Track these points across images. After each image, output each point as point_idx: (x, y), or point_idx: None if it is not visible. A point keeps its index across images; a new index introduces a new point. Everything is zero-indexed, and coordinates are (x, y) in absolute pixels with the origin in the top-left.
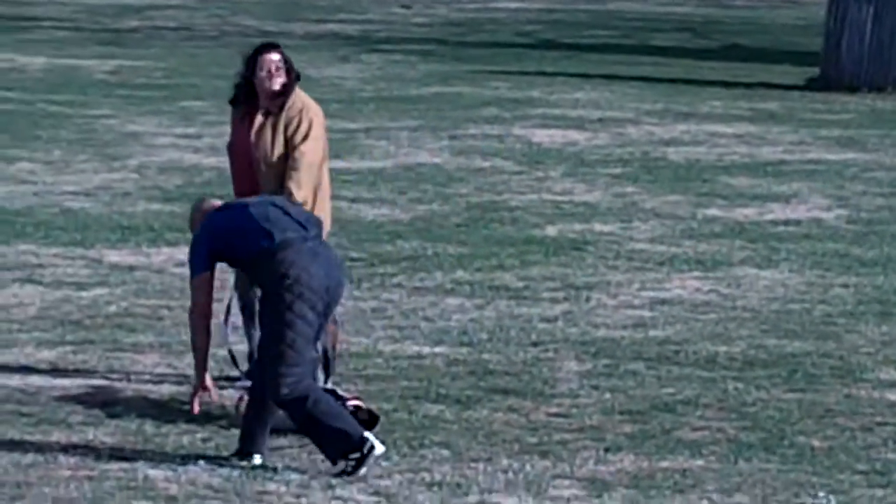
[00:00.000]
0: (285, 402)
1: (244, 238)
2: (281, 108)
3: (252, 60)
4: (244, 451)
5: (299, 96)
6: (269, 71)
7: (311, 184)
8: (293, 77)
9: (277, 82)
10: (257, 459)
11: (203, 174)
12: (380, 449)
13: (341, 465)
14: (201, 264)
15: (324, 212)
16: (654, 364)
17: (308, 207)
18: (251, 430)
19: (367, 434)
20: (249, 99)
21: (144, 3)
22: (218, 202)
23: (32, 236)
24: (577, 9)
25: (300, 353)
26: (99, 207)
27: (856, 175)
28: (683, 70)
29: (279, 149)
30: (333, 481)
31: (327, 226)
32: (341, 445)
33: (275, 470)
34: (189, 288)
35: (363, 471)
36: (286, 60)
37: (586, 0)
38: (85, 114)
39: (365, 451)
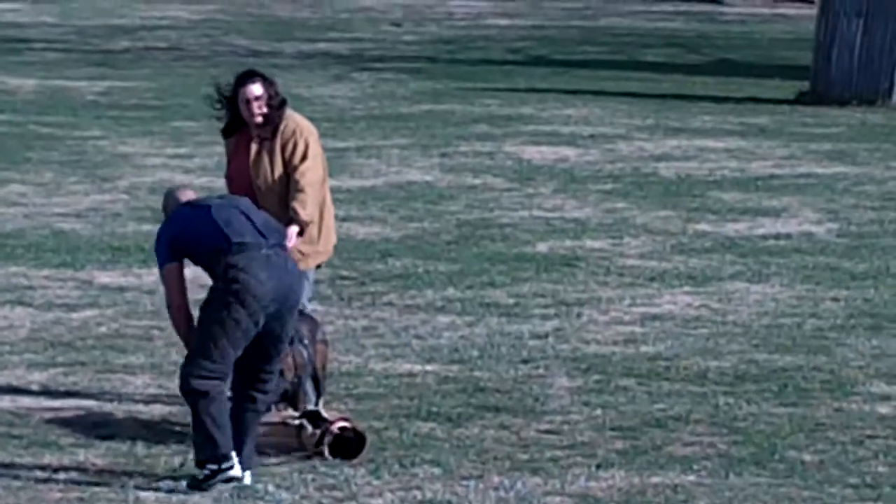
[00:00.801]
0: (187, 393)
1: (201, 237)
2: (274, 133)
3: (233, 93)
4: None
5: (292, 118)
6: (249, 103)
7: (315, 202)
8: (276, 104)
9: (258, 114)
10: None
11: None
12: (237, 473)
13: (200, 473)
14: (164, 255)
15: (329, 228)
16: (645, 380)
17: (315, 226)
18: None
19: (233, 455)
20: (240, 128)
21: (135, 24)
22: (191, 194)
23: (23, 258)
24: (567, 25)
25: (222, 352)
26: (89, 229)
27: (846, 189)
28: (674, 85)
29: (278, 172)
30: (324, 500)
31: (333, 240)
32: (207, 453)
33: (266, 490)
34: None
35: (210, 486)
36: (267, 88)
37: (577, 16)
38: (76, 135)
39: (221, 466)
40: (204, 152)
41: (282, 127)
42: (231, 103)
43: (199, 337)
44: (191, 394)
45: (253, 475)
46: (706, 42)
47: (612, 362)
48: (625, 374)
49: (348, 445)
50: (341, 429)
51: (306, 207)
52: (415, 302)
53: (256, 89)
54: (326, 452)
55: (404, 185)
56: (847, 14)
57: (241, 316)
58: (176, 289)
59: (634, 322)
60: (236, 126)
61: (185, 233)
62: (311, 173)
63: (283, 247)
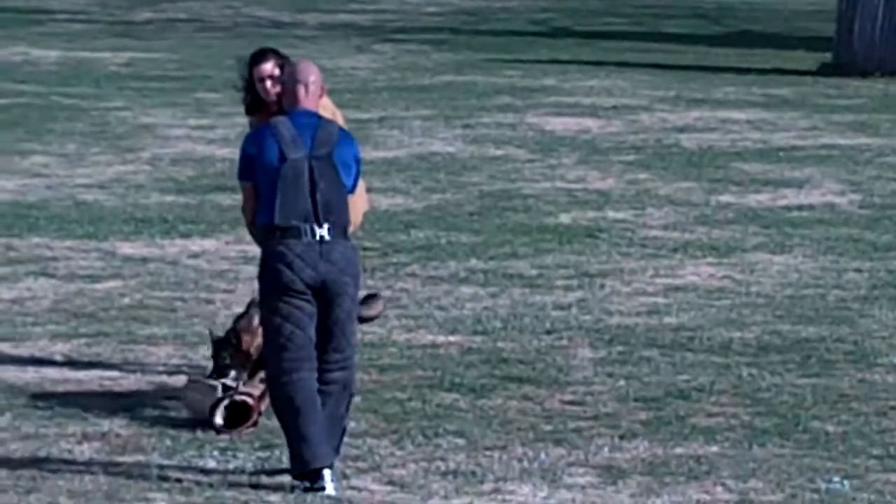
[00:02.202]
0: (274, 398)
1: (260, 185)
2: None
3: (248, 72)
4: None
5: None
6: (262, 81)
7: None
8: None
9: (273, 92)
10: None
11: (216, 165)
12: (330, 492)
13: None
14: (240, 171)
15: (354, 199)
16: (669, 351)
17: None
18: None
19: (325, 474)
20: (262, 106)
21: None
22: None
23: (46, 229)
24: None
25: (289, 338)
26: (112, 200)
27: (869, 160)
28: (696, 57)
29: None
30: (348, 471)
31: (360, 210)
32: (297, 467)
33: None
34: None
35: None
36: (282, 66)
37: None
38: (98, 106)
39: (313, 485)
40: (226, 123)
41: None
42: (250, 83)
43: (266, 334)
44: (276, 397)
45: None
46: (729, 13)
47: (635, 333)
48: (648, 345)
49: (237, 417)
50: (236, 401)
51: None
52: (437, 273)
53: (269, 68)
54: (217, 419)
55: (427, 156)
56: None
57: (288, 301)
58: (249, 207)
59: (657, 293)
60: (258, 104)
61: (252, 166)
62: None
63: (338, 232)
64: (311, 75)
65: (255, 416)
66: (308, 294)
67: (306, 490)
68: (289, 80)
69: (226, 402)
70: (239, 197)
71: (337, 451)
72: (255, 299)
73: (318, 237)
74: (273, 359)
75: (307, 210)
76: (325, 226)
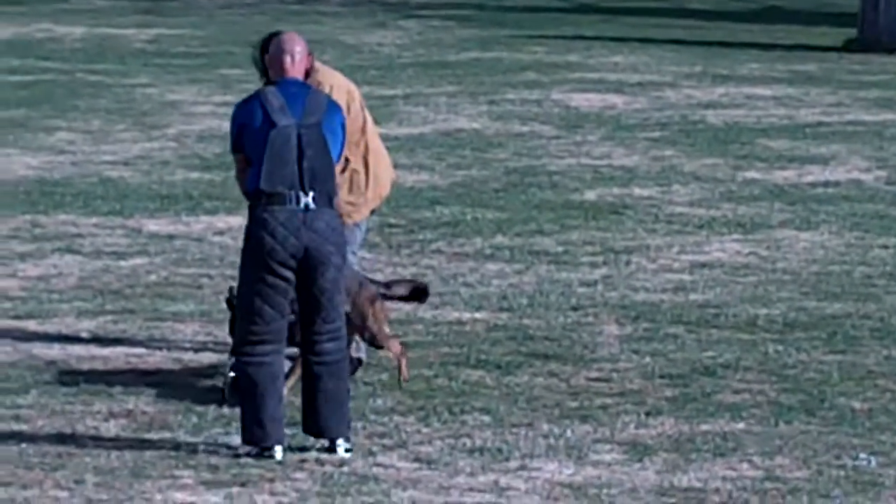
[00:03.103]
0: (235, 366)
1: (249, 152)
2: None
3: (261, 56)
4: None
5: (318, 73)
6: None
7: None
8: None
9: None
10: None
11: None
12: (279, 457)
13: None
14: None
15: (378, 176)
16: (695, 327)
17: (361, 175)
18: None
19: (277, 449)
20: None
21: None
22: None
23: (72, 206)
24: None
25: (259, 313)
26: (138, 177)
27: (894, 136)
28: (721, 33)
29: None
30: (374, 448)
31: (385, 187)
32: (247, 436)
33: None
34: None
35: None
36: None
37: None
38: (123, 83)
39: (263, 454)
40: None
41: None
42: (265, 67)
43: (238, 301)
44: (237, 368)
45: (346, 443)
46: None
47: (661, 310)
48: (674, 321)
49: None
50: None
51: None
52: (463, 249)
53: None
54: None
55: (452, 132)
56: None
57: (264, 272)
58: (243, 178)
59: (683, 270)
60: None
61: (242, 136)
62: None
63: (324, 200)
64: (297, 46)
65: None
66: (289, 264)
67: (256, 456)
68: (275, 50)
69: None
70: None
71: (347, 424)
72: None
73: (302, 205)
74: (240, 330)
75: (293, 177)
76: (311, 194)
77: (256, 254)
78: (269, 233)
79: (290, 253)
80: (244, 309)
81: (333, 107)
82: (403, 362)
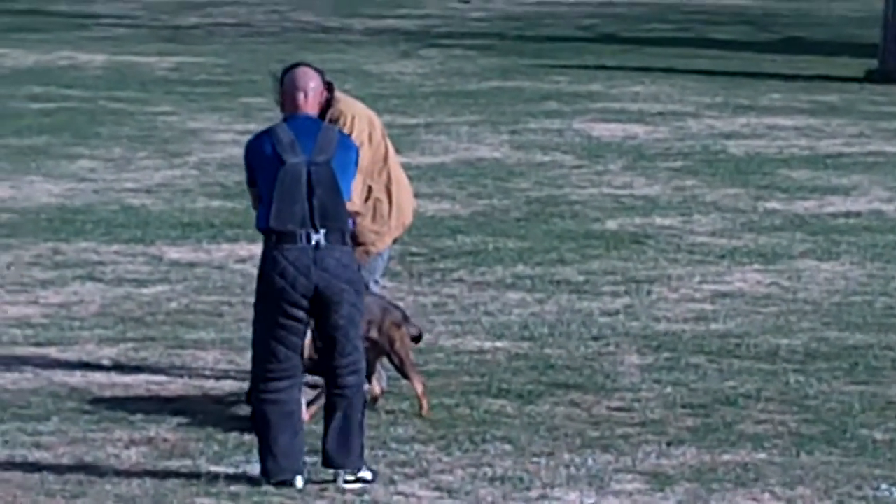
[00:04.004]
0: (251, 402)
1: (260, 187)
2: (322, 120)
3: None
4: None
5: (339, 103)
6: None
7: (360, 188)
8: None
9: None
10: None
11: None
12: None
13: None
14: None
15: (400, 205)
16: (716, 357)
17: (385, 204)
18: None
19: (297, 480)
20: None
21: (204, 0)
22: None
23: (93, 234)
24: (636, 2)
25: (273, 352)
26: (159, 204)
27: None
28: (743, 63)
29: None
30: (395, 477)
31: (407, 216)
32: (264, 467)
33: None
34: None
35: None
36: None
37: None
38: (145, 111)
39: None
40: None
41: (329, 113)
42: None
43: (252, 338)
44: (253, 403)
45: (348, 475)
46: (775, 20)
47: (682, 340)
48: (695, 351)
49: None
50: None
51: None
52: (484, 279)
53: None
54: None
55: (474, 161)
56: None
57: (276, 313)
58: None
59: (705, 299)
60: None
61: (255, 173)
62: None
63: (335, 237)
64: (311, 81)
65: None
66: (301, 304)
67: (277, 484)
68: (288, 86)
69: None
70: None
71: (358, 455)
72: None
73: (313, 242)
74: (255, 367)
75: (303, 215)
76: (322, 231)
77: (268, 294)
78: (279, 273)
79: (301, 293)
80: (258, 347)
81: (346, 142)
82: (425, 401)
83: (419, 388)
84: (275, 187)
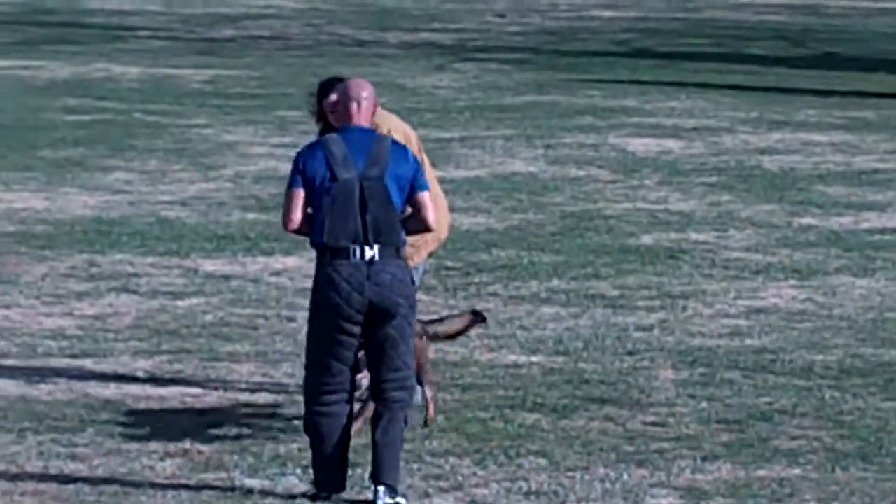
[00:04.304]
0: (305, 418)
1: (311, 202)
2: None
3: (318, 102)
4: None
5: (376, 118)
6: (333, 112)
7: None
8: None
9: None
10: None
11: None
12: None
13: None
14: (291, 178)
15: (441, 219)
16: (751, 373)
17: None
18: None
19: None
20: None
21: (240, 13)
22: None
23: (128, 246)
24: (671, 17)
25: (325, 366)
26: (194, 217)
27: None
28: (778, 78)
29: None
30: (430, 490)
31: (444, 229)
32: (315, 478)
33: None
34: None
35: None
36: None
37: (681, 9)
38: (180, 123)
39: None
40: (307, 141)
41: None
42: (321, 112)
43: (306, 351)
44: (306, 417)
45: (392, 491)
46: (811, 35)
47: (717, 355)
48: (730, 366)
49: None
50: None
51: None
52: (519, 293)
53: (334, 98)
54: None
55: (508, 175)
56: None
57: (330, 329)
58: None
59: (739, 315)
60: (331, 131)
61: (302, 179)
62: None
63: (389, 252)
64: (364, 91)
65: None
66: (355, 319)
67: (312, 497)
68: (341, 96)
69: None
70: None
71: (397, 471)
72: None
73: (367, 258)
74: (308, 380)
75: (357, 231)
76: (376, 246)
77: (322, 310)
78: (333, 289)
79: (356, 309)
80: (311, 360)
81: (398, 151)
82: (432, 406)
83: (429, 394)
84: (328, 203)
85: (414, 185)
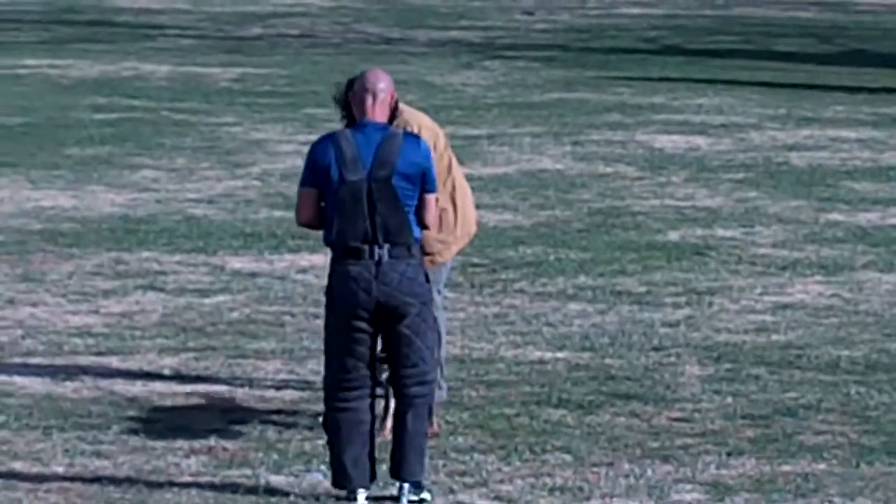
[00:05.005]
0: (325, 413)
1: (324, 203)
2: None
3: (345, 97)
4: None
5: (404, 115)
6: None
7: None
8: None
9: None
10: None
11: None
12: None
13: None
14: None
15: (465, 214)
16: (777, 368)
17: (450, 213)
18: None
19: (359, 494)
20: None
21: (268, 11)
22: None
23: (155, 243)
24: (699, 14)
25: (341, 362)
26: (222, 215)
27: None
28: (806, 75)
29: None
30: (454, 486)
31: (472, 225)
32: (335, 478)
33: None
34: None
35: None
36: None
37: (709, 6)
38: (208, 121)
39: (348, 497)
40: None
41: (394, 124)
42: (347, 107)
43: (324, 346)
44: (325, 412)
45: (415, 487)
46: (839, 32)
47: (743, 351)
48: (756, 362)
49: None
50: None
51: None
52: (546, 289)
53: None
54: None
55: (536, 172)
56: None
57: (344, 324)
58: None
59: (766, 311)
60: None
61: (313, 175)
62: None
63: (400, 251)
64: (381, 82)
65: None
66: (364, 316)
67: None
68: (358, 88)
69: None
70: None
71: (421, 467)
72: None
73: (376, 257)
74: (326, 377)
75: (366, 231)
76: (386, 246)
77: (334, 306)
78: (343, 287)
79: (364, 307)
80: (328, 355)
81: (410, 144)
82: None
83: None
84: (336, 204)
85: (424, 182)
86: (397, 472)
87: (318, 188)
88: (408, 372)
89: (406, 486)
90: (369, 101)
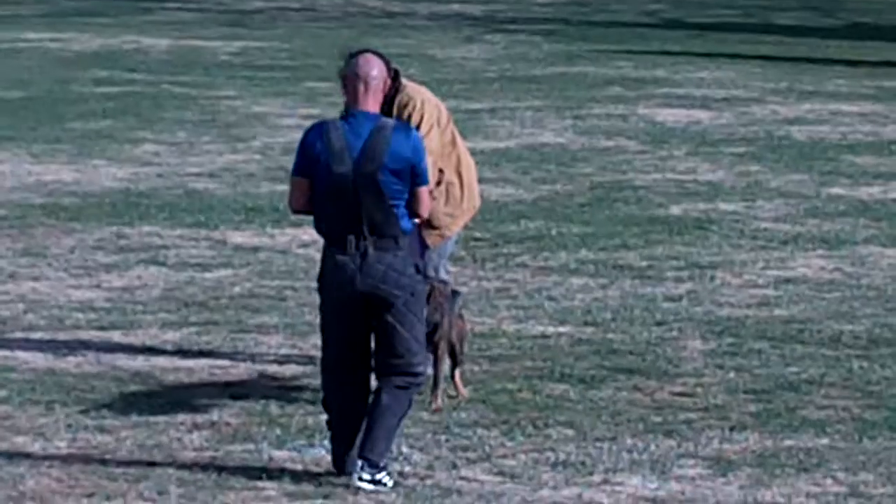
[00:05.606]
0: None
1: (316, 187)
2: (390, 106)
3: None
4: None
5: (406, 89)
6: None
7: (433, 170)
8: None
9: None
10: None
11: None
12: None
13: None
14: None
15: (471, 187)
16: (779, 343)
17: (456, 187)
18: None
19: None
20: None
21: None
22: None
23: (157, 218)
24: None
25: (328, 341)
26: (223, 188)
27: None
28: (808, 49)
29: None
30: (457, 461)
31: (477, 199)
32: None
33: (399, 451)
34: None
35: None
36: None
37: None
38: (209, 95)
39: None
40: (336, 113)
41: (397, 99)
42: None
43: (320, 326)
44: (322, 391)
45: (371, 467)
46: (840, 5)
47: (745, 325)
48: (758, 337)
49: None
50: None
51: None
52: (548, 264)
53: None
54: None
55: (537, 146)
56: None
57: (334, 310)
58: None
59: (768, 285)
60: None
61: (304, 163)
62: (426, 142)
63: (387, 243)
64: (373, 69)
65: None
66: (350, 306)
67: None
68: (349, 74)
69: None
70: None
71: (385, 449)
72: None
73: (361, 249)
74: (323, 356)
75: (352, 222)
76: (372, 238)
77: (322, 290)
78: (330, 275)
79: (348, 295)
80: (322, 335)
81: (399, 136)
82: (441, 388)
83: (457, 373)
84: (324, 195)
85: (414, 176)
86: (360, 450)
87: (308, 177)
88: (393, 361)
89: (361, 462)
90: (361, 88)
